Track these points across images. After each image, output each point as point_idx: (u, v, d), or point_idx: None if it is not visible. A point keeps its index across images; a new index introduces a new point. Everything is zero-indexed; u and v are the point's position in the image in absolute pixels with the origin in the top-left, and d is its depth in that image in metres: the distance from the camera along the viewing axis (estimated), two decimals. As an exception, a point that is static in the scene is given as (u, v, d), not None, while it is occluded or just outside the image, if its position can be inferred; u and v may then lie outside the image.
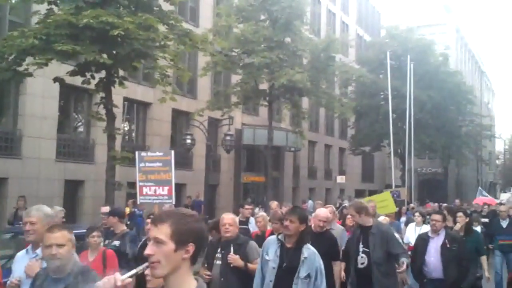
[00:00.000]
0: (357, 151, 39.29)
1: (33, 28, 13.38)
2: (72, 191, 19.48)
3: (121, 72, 15.61)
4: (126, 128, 23.15)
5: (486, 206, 18.05)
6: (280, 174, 31.63)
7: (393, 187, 27.60)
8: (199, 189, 22.80)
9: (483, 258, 8.60)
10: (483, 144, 51.69)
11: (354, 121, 38.22)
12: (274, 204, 10.69)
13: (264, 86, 24.67)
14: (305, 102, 30.42)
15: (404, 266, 5.94)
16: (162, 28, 14.79)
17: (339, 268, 6.68)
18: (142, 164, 7.96)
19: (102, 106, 15.07)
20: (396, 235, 8.48)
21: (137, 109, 23.42)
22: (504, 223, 11.50)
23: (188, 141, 20.26)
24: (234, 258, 5.60)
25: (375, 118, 36.55)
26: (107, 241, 6.89)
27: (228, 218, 5.86)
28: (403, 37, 37.90)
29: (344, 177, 39.15)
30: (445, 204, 21.09)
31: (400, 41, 37.13)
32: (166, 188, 7.51)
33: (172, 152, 7.74)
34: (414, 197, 32.02)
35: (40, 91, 17.88)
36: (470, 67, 67.32)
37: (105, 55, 13.42)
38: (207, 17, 26.20)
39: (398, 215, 18.16)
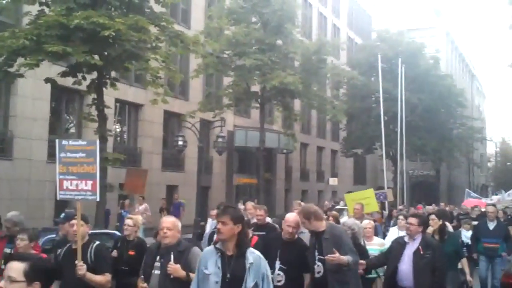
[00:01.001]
0: (349, 153, 39.43)
1: (24, 29, 13.38)
2: (63, 193, 19.40)
3: (113, 73, 15.64)
4: (117, 130, 23.14)
5: (476, 208, 17.50)
6: (272, 176, 31.68)
7: (385, 189, 27.75)
8: (191, 191, 22.80)
9: (464, 261, 8.19)
10: (474, 146, 52.00)
11: (346, 123, 38.35)
12: (249, 205, 9.81)
13: (256, 88, 24.74)
14: (297, 104, 30.53)
15: (342, 258, 5.46)
16: (153, 29, 14.82)
17: (308, 282, 6.02)
18: (62, 154, 6.67)
19: (93, 107, 15.07)
20: (377, 238, 8.32)
21: (128, 110, 23.42)
22: (491, 225, 10.77)
23: (180, 142, 20.24)
24: (174, 268, 4.85)
25: (366, 121, 36.70)
26: (59, 251, 5.88)
27: (167, 222, 5.14)
28: (394, 40, 38.11)
29: (336, 179, 39.27)
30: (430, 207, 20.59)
31: (391, 44, 37.32)
32: (89, 182, 6.26)
33: (97, 141, 6.43)
34: (406, 199, 32.14)
35: (31, 92, 17.84)
36: (460, 70, 67.74)
37: (96, 56, 13.43)
38: (199, 19, 26.25)
39: (389, 218, 18.04)
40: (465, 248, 10.73)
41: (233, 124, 28.64)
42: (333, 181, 38.79)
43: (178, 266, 4.86)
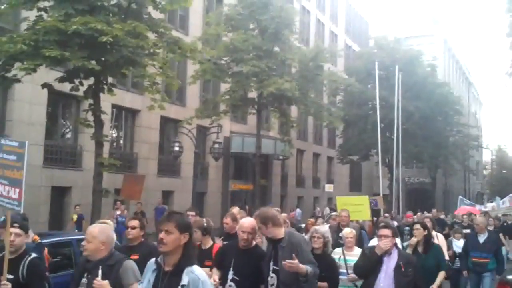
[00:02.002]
0: (345, 160, 39.48)
1: (22, 34, 13.37)
2: (58, 198, 19.38)
3: (110, 79, 15.62)
4: (114, 135, 23.12)
5: (465, 216, 16.80)
6: (268, 182, 31.68)
7: (381, 196, 27.76)
8: (187, 196, 22.78)
9: (441, 273, 7.39)
10: (470, 154, 52.12)
11: (342, 130, 38.44)
12: (235, 209, 9.26)
13: (252, 94, 24.77)
14: (293, 111, 30.57)
15: (300, 266, 4.96)
16: (151, 35, 14.84)
17: None
18: (0, 155, 5.73)
19: (90, 112, 15.06)
20: (358, 249, 7.55)
21: (125, 116, 23.40)
22: (482, 238, 9.78)
23: (176, 148, 20.25)
24: (101, 284, 4.04)
25: (363, 128, 36.77)
26: None
27: (89, 231, 4.41)
28: (391, 47, 38.27)
29: (332, 185, 39.30)
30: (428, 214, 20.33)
31: (388, 52, 37.47)
32: (17, 190, 5.58)
33: (26, 143, 5.64)
34: (402, 206, 32.16)
35: (28, 97, 17.82)
36: (457, 78, 67.95)
37: (93, 62, 13.43)
38: (197, 25, 26.29)
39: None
40: (457, 259, 10.46)
41: (230, 130, 28.65)
42: (329, 187, 38.82)
43: (106, 282, 4.06)
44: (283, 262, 4.97)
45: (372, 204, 25.08)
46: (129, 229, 5.99)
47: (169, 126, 25.46)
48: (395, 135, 30.20)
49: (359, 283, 6.58)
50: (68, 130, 21.29)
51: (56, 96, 18.40)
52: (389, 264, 5.69)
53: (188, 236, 3.68)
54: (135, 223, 6.00)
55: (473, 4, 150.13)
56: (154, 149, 24.08)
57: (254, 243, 5.56)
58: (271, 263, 5.22)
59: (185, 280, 3.56)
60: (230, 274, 5.33)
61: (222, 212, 25.66)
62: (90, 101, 15.10)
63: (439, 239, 8.97)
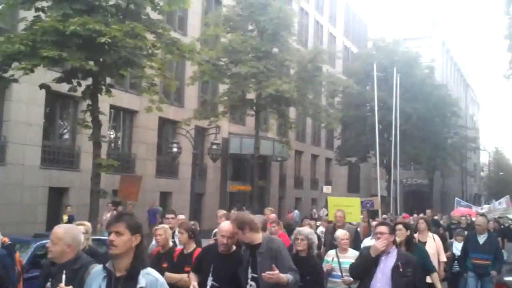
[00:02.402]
0: (343, 162, 39.48)
1: (19, 34, 13.34)
2: (56, 199, 19.33)
3: (108, 80, 15.59)
4: (112, 136, 23.08)
5: (463, 217, 16.49)
6: (267, 184, 31.66)
7: (379, 197, 27.73)
8: (185, 197, 22.75)
9: (434, 276, 7.19)
10: (468, 156, 52.26)
11: (340, 131, 38.43)
12: (221, 212, 8.92)
13: (251, 95, 24.76)
14: (292, 112, 30.55)
15: (281, 276, 4.71)
16: (149, 36, 14.81)
17: None
18: None
19: (88, 113, 15.02)
20: (352, 250, 7.36)
21: (123, 116, 23.37)
22: (482, 239, 9.48)
23: (175, 149, 20.20)
24: None
25: (361, 129, 36.78)
26: None
27: (54, 233, 4.04)
28: (389, 49, 38.29)
29: (330, 187, 39.23)
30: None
31: (387, 53, 37.48)
32: None
33: None
34: (400, 208, 32.19)
35: (26, 98, 17.78)
36: (455, 80, 68.04)
37: (91, 63, 13.40)
38: (195, 26, 26.27)
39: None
40: (456, 262, 10.37)
41: (228, 131, 28.63)
42: (327, 189, 38.74)
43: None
44: (263, 274, 4.70)
45: (368, 205, 25.08)
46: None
47: (167, 127, 25.43)
48: (393, 136, 30.17)
49: (354, 286, 6.37)
50: (66, 130, 21.25)
51: (54, 96, 18.36)
52: (387, 264, 5.36)
53: (140, 238, 3.46)
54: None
55: (471, 6, 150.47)
56: (152, 150, 24.05)
57: (234, 247, 5.25)
58: (249, 270, 4.95)
59: (142, 282, 3.36)
60: (209, 280, 5.11)
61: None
62: (88, 101, 15.07)
63: (435, 240, 8.89)
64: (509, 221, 20.28)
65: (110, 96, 15.58)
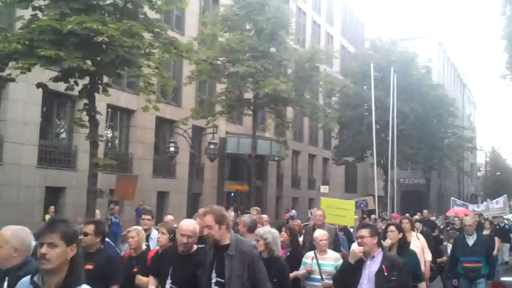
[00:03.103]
0: (340, 161, 39.50)
1: (16, 33, 13.28)
2: (53, 198, 19.28)
3: (105, 79, 15.54)
4: (109, 135, 23.04)
5: (456, 218, 15.89)
6: (264, 183, 31.65)
7: (376, 197, 27.78)
8: (182, 197, 22.72)
9: (422, 286, 6.70)
10: (464, 156, 52.33)
11: (337, 131, 38.46)
12: (202, 210, 9.14)
13: (248, 95, 24.75)
14: (289, 112, 30.57)
15: None
16: (147, 35, 14.77)
17: None
18: None
19: (85, 112, 14.97)
20: (332, 252, 7.03)
21: (120, 116, 23.33)
22: (471, 240, 8.88)
23: (172, 149, 20.18)
24: None
25: (358, 129, 36.82)
26: None
27: (5, 233, 3.71)
28: (386, 49, 38.37)
29: (327, 187, 39.30)
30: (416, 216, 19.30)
31: (384, 53, 37.55)
32: None
33: None
34: (396, 208, 32.20)
35: (23, 97, 17.73)
36: (452, 80, 68.16)
37: (89, 62, 13.36)
38: (193, 25, 26.25)
39: None
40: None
41: (225, 131, 28.62)
42: (324, 188, 38.80)
43: None
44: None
45: (362, 205, 25.11)
46: (83, 236, 5.25)
47: (164, 126, 25.40)
48: (390, 136, 30.23)
49: None
50: (62, 130, 21.20)
51: (51, 95, 18.31)
52: (371, 269, 4.98)
53: (76, 248, 2.96)
54: (90, 228, 5.27)
55: (468, 7, 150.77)
56: (149, 150, 24.02)
57: (195, 247, 4.87)
58: (213, 274, 4.41)
59: None
60: (168, 283, 4.74)
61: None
62: (85, 101, 15.01)
63: (420, 240, 8.63)
64: (505, 221, 20.25)
65: (107, 95, 15.53)
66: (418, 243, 8.42)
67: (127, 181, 18.62)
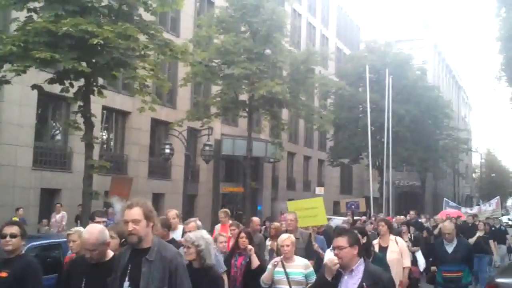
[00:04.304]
0: (335, 163, 39.57)
1: (11, 35, 13.28)
2: (48, 200, 19.26)
3: (100, 81, 15.55)
4: (104, 137, 23.03)
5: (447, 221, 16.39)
6: (259, 185, 31.65)
7: (371, 199, 27.89)
8: (177, 199, 22.70)
9: None
10: (460, 157, 52.53)
11: (333, 133, 38.54)
12: (171, 212, 7.91)
13: (244, 97, 24.77)
14: (284, 114, 30.60)
15: None
16: (142, 37, 14.79)
17: None
18: None
19: (80, 114, 14.98)
20: (300, 259, 6.40)
21: (115, 118, 23.32)
22: (450, 247, 8.12)
23: (167, 150, 20.19)
24: None
25: (353, 131, 36.91)
26: None
27: None
28: (382, 51, 38.49)
29: (322, 188, 39.35)
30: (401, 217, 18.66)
31: (379, 55, 37.67)
32: None
33: None
34: (392, 209, 32.29)
35: (18, 99, 17.72)
36: (447, 81, 68.39)
37: (84, 64, 13.37)
38: (188, 27, 26.27)
39: None
40: None
41: (221, 132, 28.63)
42: (319, 190, 38.84)
43: None
44: None
45: (353, 206, 25.17)
46: (6, 238, 4.71)
47: (159, 128, 25.40)
48: (385, 138, 30.36)
49: None
50: (58, 131, 21.18)
51: (46, 97, 18.31)
52: (349, 285, 4.18)
53: None
54: (15, 229, 4.77)
55: (463, 9, 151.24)
56: (145, 151, 24.01)
57: (111, 254, 4.33)
58: (126, 283, 3.81)
59: None
60: None
61: (213, 214, 25.63)
62: (80, 102, 15.02)
63: (399, 244, 7.98)
64: (501, 222, 20.28)
65: (102, 97, 15.55)
66: (396, 247, 7.87)
67: (122, 183, 18.63)
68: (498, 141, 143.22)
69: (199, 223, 7.11)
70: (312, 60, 25.78)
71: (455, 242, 8.17)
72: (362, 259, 4.25)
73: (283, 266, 6.09)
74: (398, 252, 7.77)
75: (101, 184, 17.63)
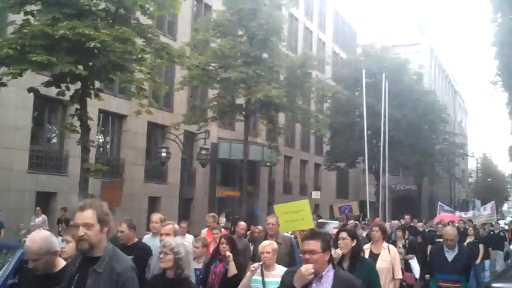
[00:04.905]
0: (332, 167, 39.57)
1: (8, 38, 13.26)
2: (44, 203, 19.19)
3: (97, 84, 15.53)
4: (100, 140, 22.98)
5: (439, 225, 15.13)
6: (256, 189, 31.64)
7: (367, 203, 27.86)
8: (173, 202, 22.68)
9: None
10: (456, 162, 52.63)
11: (329, 137, 38.50)
12: (155, 216, 7.69)
13: (240, 101, 24.78)
14: (281, 118, 30.60)
15: None
16: (139, 41, 14.79)
17: None
18: None
19: (76, 117, 14.95)
20: (281, 267, 5.77)
21: (112, 121, 23.29)
22: (450, 255, 7.45)
23: (163, 154, 20.18)
24: None
25: (350, 135, 36.91)
26: None
27: None
28: (378, 55, 38.53)
29: (319, 192, 39.35)
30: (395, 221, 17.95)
31: (376, 60, 37.70)
32: None
33: None
34: (389, 213, 32.35)
35: (14, 102, 17.68)
36: (443, 86, 68.55)
37: (80, 67, 13.36)
38: (185, 31, 26.28)
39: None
40: None
41: (217, 136, 28.62)
42: (316, 194, 38.84)
43: None
44: None
45: (346, 210, 25.10)
46: None
47: (156, 131, 25.38)
48: (381, 142, 30.38)
49: None
50: (54, 135, 21.14)
51: (42, 100, 18.27)
52: None
53: None
54: None
55: (459, 14, 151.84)
56: (141, 155, 23.98)
57: (62, 264, 3.87)
58: None
59: None
60: None
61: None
62: (77, 106, 15.00)
63: (391, 251, 7.44)
64: (499, 228, 20.11)
65: (99, 100, 15.54)
66: (387, 256, 7.27)
67: (113, 187, 18.50)
68: (494, 145, 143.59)
69: (176, 226, 6.87)
70: (309, 64, 25.82)
71: (456, 250, 7.52)
72: (331, 265, 3.89)
73: (262, 274, 5.60)
74: (389, 262, 7.21)
75: (97, 187, 17.58)
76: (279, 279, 4.91)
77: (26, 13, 13.84)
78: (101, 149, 23.05)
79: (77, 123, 14.95)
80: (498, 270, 15.36)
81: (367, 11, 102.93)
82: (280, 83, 24.61)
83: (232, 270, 6.43)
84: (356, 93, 36.61)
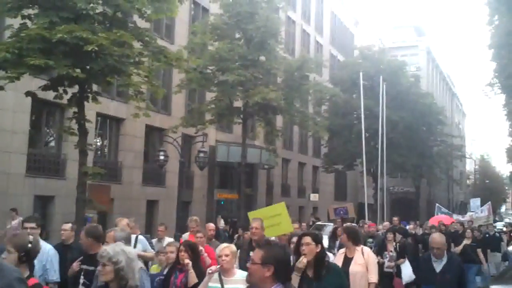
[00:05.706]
0: (330, 169, 39.59)
1: (5, 42, 13.27)
2: (41, 207, 19.18)
3: (95, 88, 15.54)
4: (98, 144, 22.97)
5: (433, 229, 14.77)
6: (254, 192, 31.62)
7: (366, 205, 27.85)
8: (171, 205, 22.66)
9: None
10: (454, 164, 52.74)
11: (327, 139, 38.58)
12: (123, 221, 7.51)
13: (238, 103, 24.79)
14: (279, 120, 30.61)
15: None
16: (136, 44, 14.80)
17: None
18: None
19: (74, 121, 14.95)
20: (241, 272, 5.50)
21: (110, 124, 23.27)
22: (438, 265, 6.57)
23: (161, 157, 20.17)
24: None
25: (348, 137, 36.96)
26: None
27: None
28: (375, 58, 38.63)
29: (317, 195, 39.36)
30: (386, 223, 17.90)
31: (373, 62, 37.79)
32: None
33: None
34: (387, 215, 32.31)
35: (11, 105, 17.66)
36: (441, 88, 68.71)
37: (78, 70, 13.36)
38: (182, 34, 26.30)
39: (332, 237, 14.81)
40: None
41: (215, 139, 28.62)
42: (314, 197, 38.84)
43: None
44: None
45: (342, 212, 25.09)
46: None
47: (154, 134, 25.37)
48: (379, 144, 30.39)
49: None
50: (51, 138, 21.10)
51: (40, 104, 18.26)
52: None
53: None
54: None
55: (456, 16, 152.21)
56: (139, 158, 23.96)
57: None
58: None
59: None
60: None
61: (207, 221, 25.54)
62: (74, 109, 14.99)
63: (365, 254, 6.87)
64: (495, 229, 20.13)
65: (96, 103, 15.54)
66: (361, 259, 6.76)
67: (100, 191, 18.44)
68: (491, 147, 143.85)
69: (133, 224, 6.56)
70: (306, 67, 25.85)
71: (445, 259, 6.59)
72: (280, 285, 3.19)
73: (221, 280, 5.27)
74: (363, 265, 6.66)
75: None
76: (239, 285, 4.78)
77: (23, 17, 13.84)
78: (99, 152, 23.04)
79: (75, 126, 14.95)
80: (493, 274, 15.11)
81: (364, 14, 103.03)
82: (277, 86, 24.64)
83: (192, 279, 5.86)
84: (354, 96, 36.66)
